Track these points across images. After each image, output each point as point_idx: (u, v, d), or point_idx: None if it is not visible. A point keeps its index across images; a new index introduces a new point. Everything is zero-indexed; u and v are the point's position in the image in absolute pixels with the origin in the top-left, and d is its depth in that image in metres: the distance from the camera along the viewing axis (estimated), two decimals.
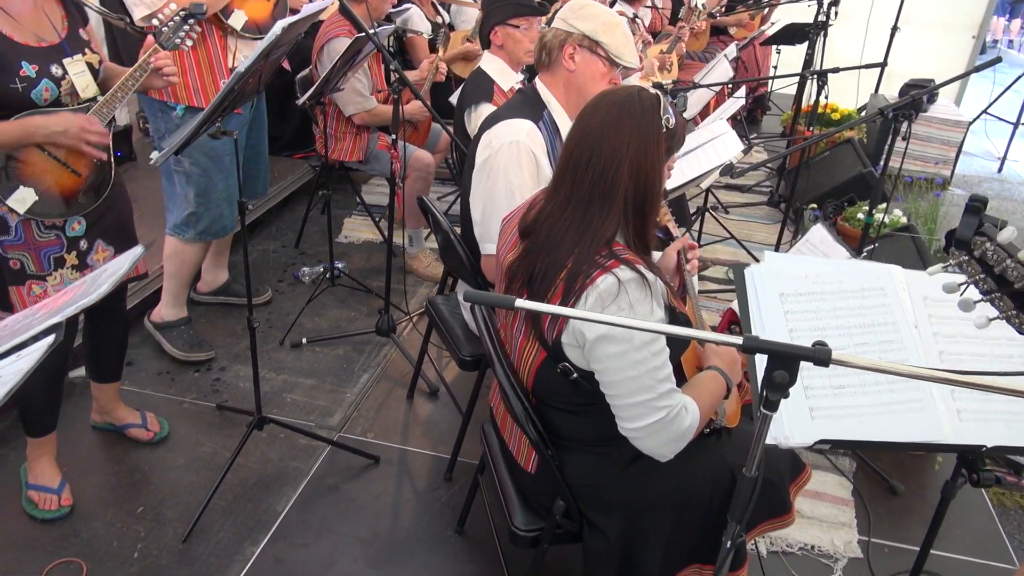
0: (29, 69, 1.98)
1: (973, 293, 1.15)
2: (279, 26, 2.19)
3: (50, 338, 1.04)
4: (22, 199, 2.04)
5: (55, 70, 2.04)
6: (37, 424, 2.42)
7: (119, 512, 2.48)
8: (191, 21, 2.26)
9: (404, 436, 2.93)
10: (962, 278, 1.17)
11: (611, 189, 1.58)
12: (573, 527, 1.81)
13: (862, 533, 2.54)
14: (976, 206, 1.15)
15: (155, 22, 2.26)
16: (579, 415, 1.73)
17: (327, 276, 3.88)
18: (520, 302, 1.23)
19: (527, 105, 2.35)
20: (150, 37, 2.21)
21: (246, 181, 3.30)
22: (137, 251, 1.36)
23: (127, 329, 2.68)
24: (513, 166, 2.24)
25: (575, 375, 1.63)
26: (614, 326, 1.26)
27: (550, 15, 2.64)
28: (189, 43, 2.27)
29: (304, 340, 3.45)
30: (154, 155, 2.25)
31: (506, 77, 3.03)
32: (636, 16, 4.98)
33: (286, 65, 3.42)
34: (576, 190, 1.61)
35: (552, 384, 1.70)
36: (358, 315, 3.72)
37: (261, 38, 2.36)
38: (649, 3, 5.47)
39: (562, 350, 1.62)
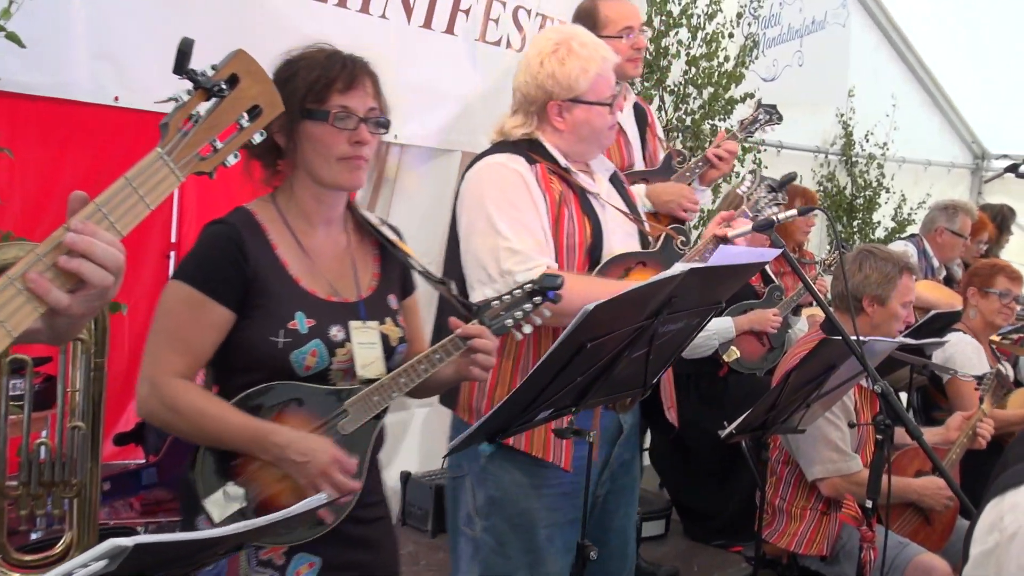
0: (303, 323, 1.48)
1: None
2: (678, 268, 1.29)
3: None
4: (221, 502, 1.39)
5: (335, 333, 1.51)
6: None
7: None
8: (537, 300, 1.49)
9: None
10: None
11: None
12: None
13: None
14: None
15: (489, 292, 1.63)
16: None
17: None
18: None
19: None
20: (453, 318, 1.52)
21: (601, 560, 2.01)
22: (320, 498, 1.26)
23: None
24: None
25: None
26: None
27: None
28: (527, 330, 1.51)
29: None
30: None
31: None
32: None
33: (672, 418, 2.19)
34: None
35: None
36: None
37: None
38: None
39: None
